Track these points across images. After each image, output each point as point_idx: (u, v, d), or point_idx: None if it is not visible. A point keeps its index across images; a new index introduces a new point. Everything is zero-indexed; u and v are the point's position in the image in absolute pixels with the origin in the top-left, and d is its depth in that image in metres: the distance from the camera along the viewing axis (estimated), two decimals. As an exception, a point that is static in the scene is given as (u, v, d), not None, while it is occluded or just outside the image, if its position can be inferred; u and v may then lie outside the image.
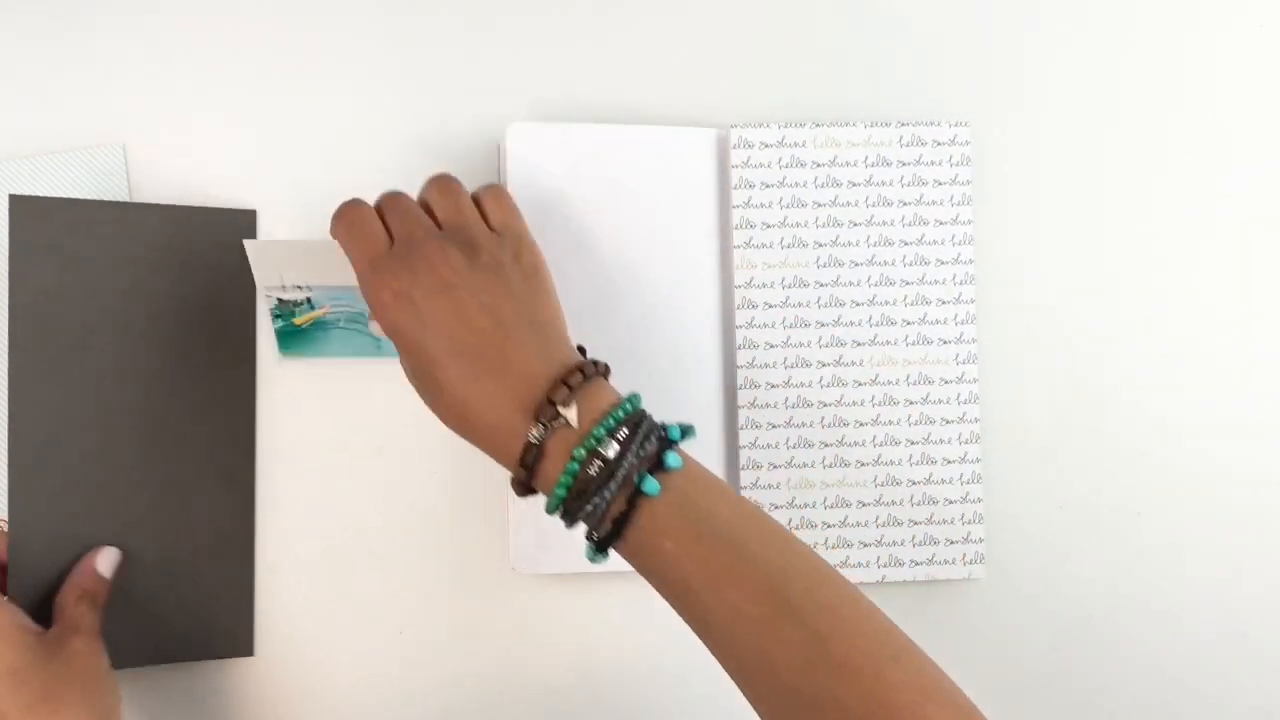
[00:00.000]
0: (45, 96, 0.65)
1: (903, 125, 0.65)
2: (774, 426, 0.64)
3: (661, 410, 0.52)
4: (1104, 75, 0.68)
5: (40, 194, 0.63)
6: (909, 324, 0.65)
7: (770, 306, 0.64)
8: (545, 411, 0.48)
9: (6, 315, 0.61)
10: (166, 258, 0.63)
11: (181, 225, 0.63)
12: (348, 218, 0.53)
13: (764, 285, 0.64)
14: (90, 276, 0.61)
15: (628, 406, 0.48)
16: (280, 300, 0.61)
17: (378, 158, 0.66)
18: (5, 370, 0.62)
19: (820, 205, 0.65)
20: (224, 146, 0.66)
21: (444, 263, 0.50)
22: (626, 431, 0.47)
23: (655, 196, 0.64)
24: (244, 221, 0.65)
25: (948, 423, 0.64)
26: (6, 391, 0.61)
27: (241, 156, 0.66)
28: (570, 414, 0.48)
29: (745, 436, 0.64)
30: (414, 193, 0.55)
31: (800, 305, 0.64)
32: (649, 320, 0.64)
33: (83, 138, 0.65)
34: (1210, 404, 0.67)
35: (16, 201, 0.59)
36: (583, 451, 0.47)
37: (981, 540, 0.64)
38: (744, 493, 0.64)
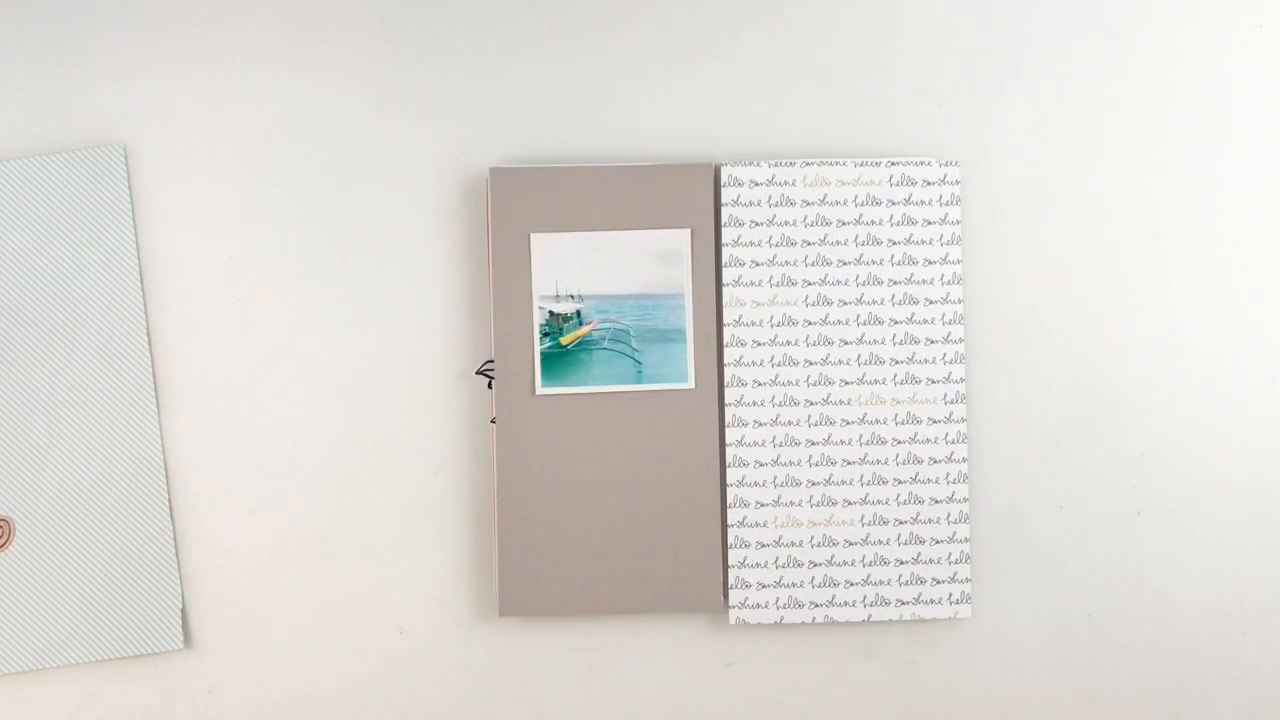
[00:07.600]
0: (45, 96, 0.66)
1: (893, 164, 0.64)
2: (761, 465, 0.64)
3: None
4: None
5: (40, 194, 0.65)
6: (898, 363, 0.64)
7: (759, 345, 0.64)
8: None
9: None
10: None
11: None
12: None
13: (753, 324, 0.64)
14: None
15: None
16: (551, 314, 0.63)
17: (370, 174, 0.66)
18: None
19: (810, 244, 0.64)
20: (221, 148, 0.66)
21: None
22: None
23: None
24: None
25: (935, 462, 0.64)
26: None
27: (237, 160, 0.66)
28: None
29: (733, 474, 0.64)
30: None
31: (789, 344, 0.64)
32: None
33: (83, 138, 0.66)
34: (1210, 410, 0.67)
35: None
36: None
37: (968, 580, 0.64)
38: (730, 531, 0.64)
